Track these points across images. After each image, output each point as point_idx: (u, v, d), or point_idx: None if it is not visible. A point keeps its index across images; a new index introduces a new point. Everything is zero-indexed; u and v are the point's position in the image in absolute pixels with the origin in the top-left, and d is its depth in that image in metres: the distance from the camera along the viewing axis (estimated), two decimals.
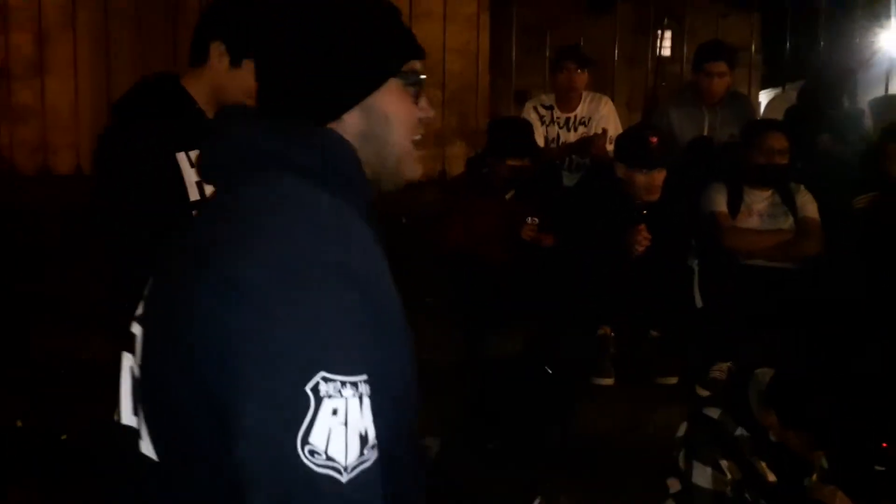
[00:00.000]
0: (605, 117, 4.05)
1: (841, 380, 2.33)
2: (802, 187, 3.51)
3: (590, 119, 4.07)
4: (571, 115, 4.10)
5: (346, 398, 0.84)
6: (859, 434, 2.56)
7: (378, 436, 0.87)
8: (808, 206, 3.48)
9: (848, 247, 3.34)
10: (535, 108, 4.14)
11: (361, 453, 0.85)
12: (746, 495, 2.21)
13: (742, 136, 3.65)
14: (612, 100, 4.25)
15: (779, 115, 4.09)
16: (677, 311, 3.28)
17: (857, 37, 4.57)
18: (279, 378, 0.83)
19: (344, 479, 0.83)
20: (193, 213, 1.83)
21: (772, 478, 2.22)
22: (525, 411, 2.98)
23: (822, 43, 4.61)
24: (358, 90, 1.03)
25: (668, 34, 7.76)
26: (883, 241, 3.29)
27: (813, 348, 3.01)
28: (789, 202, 3.48)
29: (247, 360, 0.85)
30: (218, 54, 1.89)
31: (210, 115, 1.98)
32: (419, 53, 1.09)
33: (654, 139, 3.24)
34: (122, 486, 1.04)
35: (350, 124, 1.04)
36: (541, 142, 3.97)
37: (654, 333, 3.33)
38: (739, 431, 2.23)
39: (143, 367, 1.00)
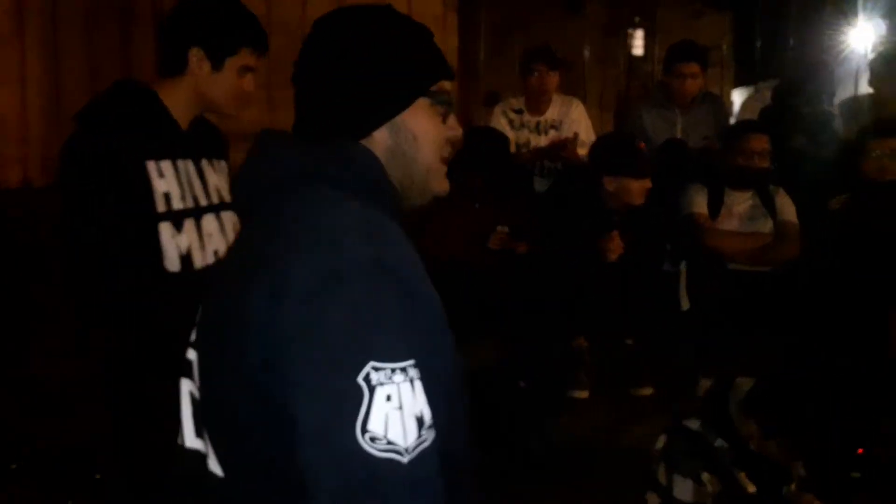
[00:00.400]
0: (575, 121, 4.00)
1: (820, 386, 2.32)
2: (781, 190, 3.50)
3: (561, 122, 4.02)
4: (542, 118, 4.04)
5: (398, 383, 0.88)
6: (836, 441, 2.57)
7: (435, 418, 0.91)
8: (787, 208, 3.47)
9: (825, 249, 3.33)
10: (505, 113, 4.08)
11: (419, 434, 0.89)
12: None
13: (723, 137, 3.64)
14: (585, 100, 4.21)
15: (753, 115, 4.08)
16: (653, 316, 3.25)
17: (828, 34, 4.56)
18: (331, 374, 0.87)
19: (405, 459, 0.87)
20: (160, 224, 1.86)
21: (752, 489, 2.23)
22: (499, 424, 2.92)
23: (791, 41, 4.61)
24: (386, 109, 1.08)
25: (639, 34, 7.76)
26: (859, 242, 3.27)
27: (792, 354, 2.99)
28: (769, 205, 3.47)
29: (297, 360, 0.89)
30: (197, 60, 1.90)
31: (185, 124, 1.97)
32: (448, 74, 1.14)
33: (643, 145, 3.23)
34: None
35: (379, 141, 1.08)
36: (511, 147, 3.90)
37: (629, 342, 3.29)
38: (719, 443, 2.23)
39: (202, 386, 1.05)
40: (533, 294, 3.16)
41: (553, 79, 3.99)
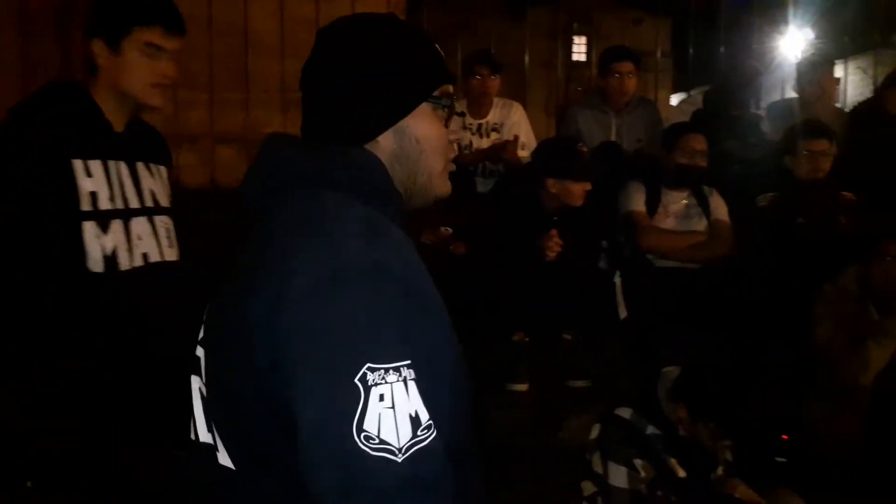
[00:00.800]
0: (516, 124, 4.08)
1: (745, 375, 2.41)
2: (715, 190, 3.62)
3: (502, 125, 4.09)
4: (483, 121, 4.11)
5: (391, 384, 0.90)
6: (762, 428, 2.66)
7: (437, 418, 0.92)
8: (720, 208, 3.59)
9: (754, 246, 3.46)
10: (447, 118, 4.12)
11: (414, 434, 0.90)
12: (659, 493, 2.26)
13: (663, 137, 3.74)
14: (529, 104, 4.29)
15: (686, 118, 4.20)
16: (591, 313, 3.33)
17: (758, 42, 4.74)
18: (329, 375, 0.90)
19: (399, 458, 0.89)
20: (84, 224, 1.83)
21: (682, 473, 2.29)
22: None
23: (723, 48, 4.77)
24: (391, 114, 1.11)
25: (581, 39, 7.90)
26: (785, 238, 3.41)
27: (719, 345, 3.09)
28: (703, 204, 3.58)
29: (298, 361, 0.92)
30: (100, 51, 1.90)
31: (119, 125, 1.96)
32: (450, 78, 1.18)
33: (585, 148, 3.31)
34: (206, 499, 1.11)
35: (384, 145, 1.11)
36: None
37: (568, 337, 3.37)
38: (651, 430, 2.29)
39: (208, 383, 1.08)
40: (473, 293, 3.21)
41: (494, 82, 4.07)
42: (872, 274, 2.94)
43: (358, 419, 0.88)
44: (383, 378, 0.90)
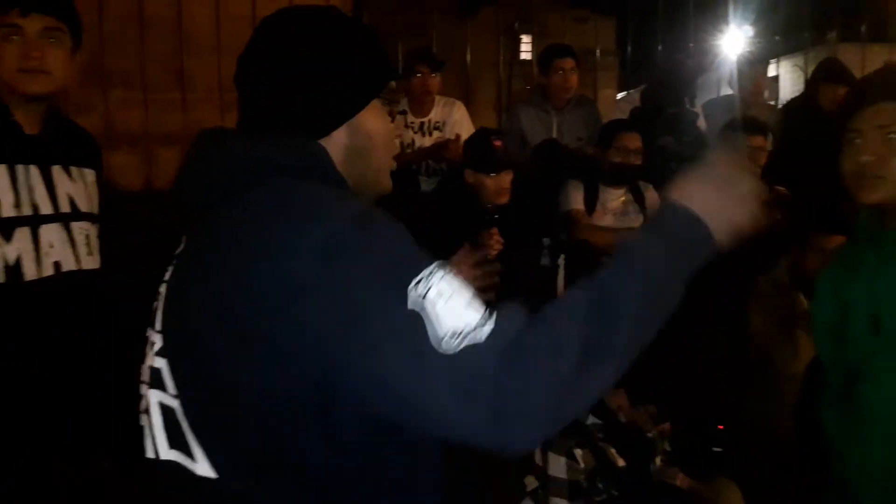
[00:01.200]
0: (458, 122, 4.08)
1: (682, 360, 2.44)
2: (651, 186, 3.68)
3: (444, 124, 4.10)
4: (425, 119, 4.11)
5: (437, 284, 0.91)
6: (699, 418, 2.71)
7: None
8: (657, 204, 3.65)
9: None
10: (389, 114, 4.11)
11: (480, 309, 0.92)
12: (599, 484, 2.29)
13: (599, 135, 3.78)
14: (475, 103, 4.30)
15: (624, 116, 4.26)
16: (532, 308, 3.35)
17: (695, 40, 4.83)
18: (385, 322, 0.90)
19: (483, 337, 0.89)
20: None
21: (621, 462, 2.31)
22: None
23: (660, 47, 4.86)
24: (346, 110, 1.11)
25: (527, 38, 7.96)
26: None
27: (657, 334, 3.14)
28: (640, 201, 3.64)
29: (347, 334, 0.90)
30: None
31: (32, 128, 1.88)
32: (396, 74, 1.21)
33: (498, 142, 3.30)
34: None
35: (336, 140, 1.11)
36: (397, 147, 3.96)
37: None
38: (591, 420, 2.32)
39: (182, 392, 1.03)
40: None
41: (434, 80, 4.07)
42: (802, 266, 3.01)
43: (433, 332, 0.89)
44: (428, 284, 0.91)
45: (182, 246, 1.12)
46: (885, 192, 1.54)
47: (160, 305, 1.09)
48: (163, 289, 1.11)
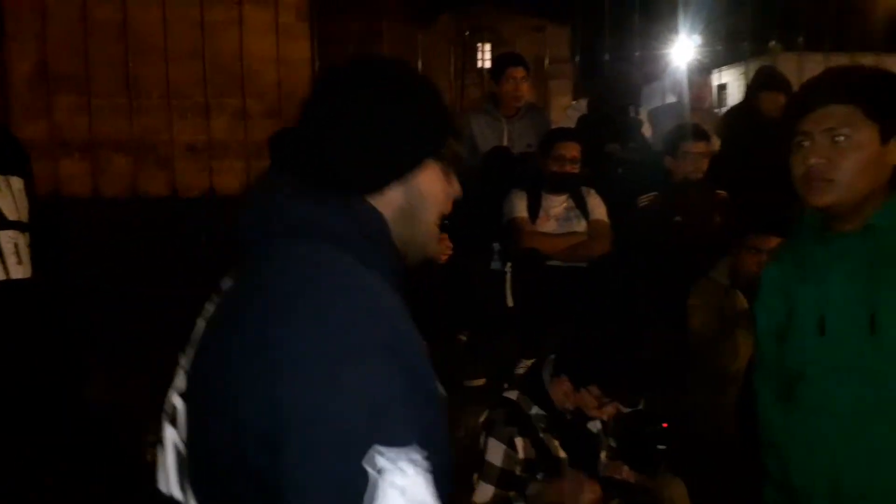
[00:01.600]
0: None
1: (623, 352, 2.45)
2: (593, 191, 3.77)
3: None
4: None
5: (403, 469, 0.86)
6: (643, 417, 2.76)
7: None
8: (598, 209, 3.74)
9: (634, 243, 3.62)
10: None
11: None
12: (538, 476, 2.30)
13: (539, 144, 3.86)
14: None
15: (572, 123, 4.36)
16: (485, 313, 3.40)
17: (642, 49, 4.95)
18: (333, 455, 0.85)
19: None
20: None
21: (562, 454, 2.32)
22: None
23: (607, 56, 4.97)
24: (402, 167, 1.08)
25: (486, 47, 8.05)
26: (664, 236, 3.58)
27: (598, 329, 3.21)
28: (582, 206, 3.73)
29: (298, 439, 0.86)
30: None
31: None
32: (457, 132, 1.17)
33: None
34: None
35: (391, 198, 1.08)
36: None
37: (463, 338, 3.43)
38: (535, 410, 2.33)
39: (189, 443, 1.01)
40: None
41: None
42: (740, 266, 3.10)
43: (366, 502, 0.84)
44: (394, 463, 0.86)
45: (229, 283, 1.09)
46: (835, 196, 1.53)
47: (194, 342, 1.07)
48: (201, 323, 1.08)
